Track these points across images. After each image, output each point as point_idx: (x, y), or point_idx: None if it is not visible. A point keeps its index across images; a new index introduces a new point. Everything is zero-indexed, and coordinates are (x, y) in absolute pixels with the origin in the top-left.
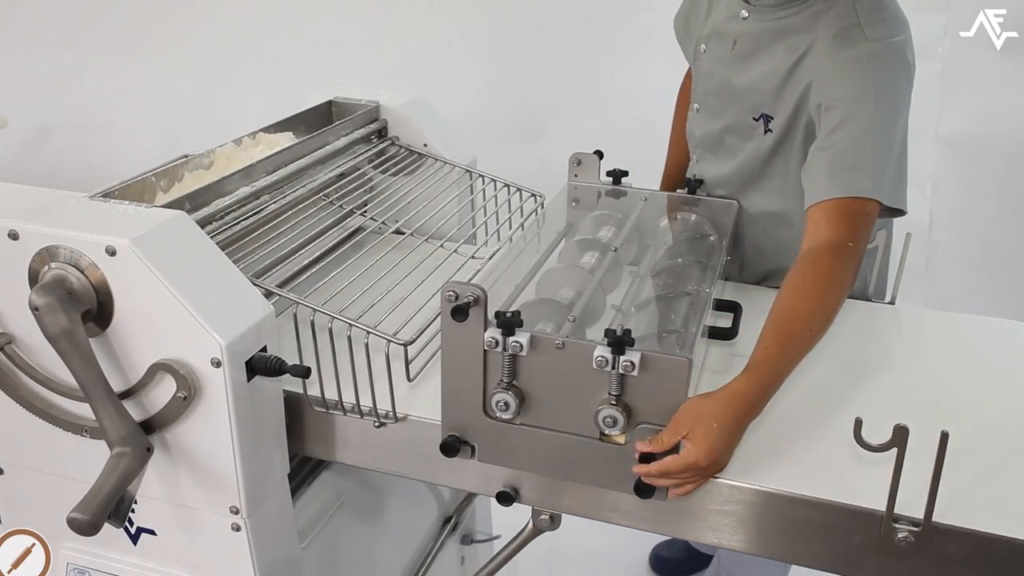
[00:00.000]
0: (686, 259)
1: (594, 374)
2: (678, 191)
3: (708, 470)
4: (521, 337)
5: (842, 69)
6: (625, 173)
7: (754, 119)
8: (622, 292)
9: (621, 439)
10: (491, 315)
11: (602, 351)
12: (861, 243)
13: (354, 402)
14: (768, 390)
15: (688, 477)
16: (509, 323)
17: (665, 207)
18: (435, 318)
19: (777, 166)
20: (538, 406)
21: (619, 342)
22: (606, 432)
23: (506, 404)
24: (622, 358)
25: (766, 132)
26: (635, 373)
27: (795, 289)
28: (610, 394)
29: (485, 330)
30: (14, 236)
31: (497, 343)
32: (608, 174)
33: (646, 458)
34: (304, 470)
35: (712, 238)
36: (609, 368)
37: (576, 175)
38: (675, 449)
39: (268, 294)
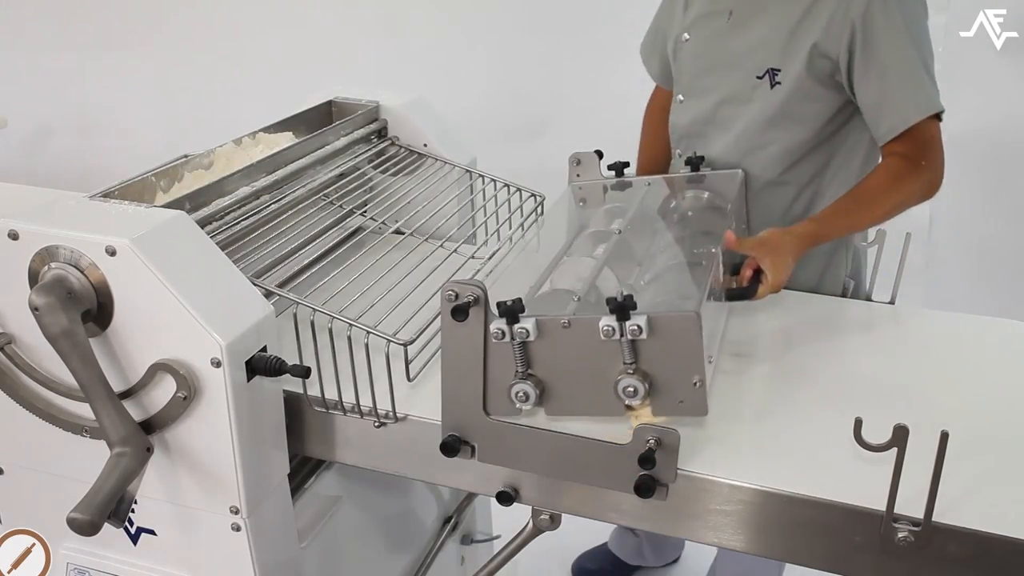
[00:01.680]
0: (695, 230)
1: (606, 347)
2: (681, 171)
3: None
4: (526, 323)
5: (869, 9)
6: (626, 164)
7: (758, 77)
8: (634, 273)
9: (646, 410)
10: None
11: (607, 321)
12: (934, 161)
13: (354, 402)
14: (821, 240)
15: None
16: (511, 311)
17: (671, 189)
18: (435, 318)
19: (781, 127)
20: (557, 392)
21: (621, 307)
22: (628, 403)
23: (526, 395)
24: (628, 324)
25: (773, 86)
26: (644, 336)
27: (869, 181)
28: (625, 364)
29: (486, 329)
30: (14, 236)
31: (504, 333)
32: (610, 167)
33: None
34: (304, 470)
35: (720, 207)
36: (618, 336)
37: (578, 175)
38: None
39: (268, 294)
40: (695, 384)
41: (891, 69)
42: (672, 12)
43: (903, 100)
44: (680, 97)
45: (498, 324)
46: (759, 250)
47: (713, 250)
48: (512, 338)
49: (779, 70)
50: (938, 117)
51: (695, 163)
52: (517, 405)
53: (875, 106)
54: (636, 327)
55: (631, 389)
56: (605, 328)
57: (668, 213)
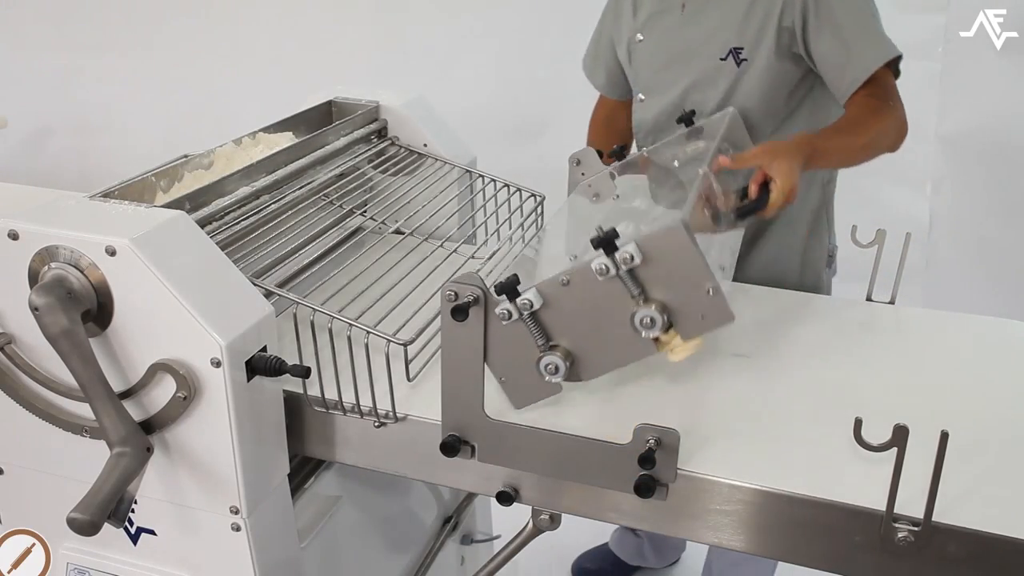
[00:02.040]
0: (692, 166)
1: (609, 289)
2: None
3: (788, 203)
4: (527, 294)
5: None
6: (624, 147)
7: (721, 59)
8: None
9: (675, 339)
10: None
11: (598, 261)
12: (899, 105)
13: (354, 402)
14: (817, 151)
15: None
16: (509, 285)
17: (674, 149)
18: (435, 318)
19: (752, 103)
20: (584, 353)
21: (604, 241)
22: (653, 337)
23: (555, 367)
24: (618, 255)
25: (740, 63)
26: (638, 262)
27: (847, 115)
28: (633, 298)
29: (487, 328)
30: (14, 236)
31: (510, 313)
32: (610, 155)
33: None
34: (304, 470)
35: (722, 149)
36: (614, 272)
37: (583, 173)
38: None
39: (268, 294)
40: (709, 293)
41: (845, 26)
42: (619, 18)
43: (861, 51)
44: (641, 96)
45: (502, 306)
46: (762, 157)
47: (701, 170)
48: (520, 313)
49: (742, 48)
50: (895, 70)
51: (687, 118)
52: (547, 379)
53: (835, 64)
54: (627, 255)
55: (648, 320)
56: (599, 268)
57: (672, 168)
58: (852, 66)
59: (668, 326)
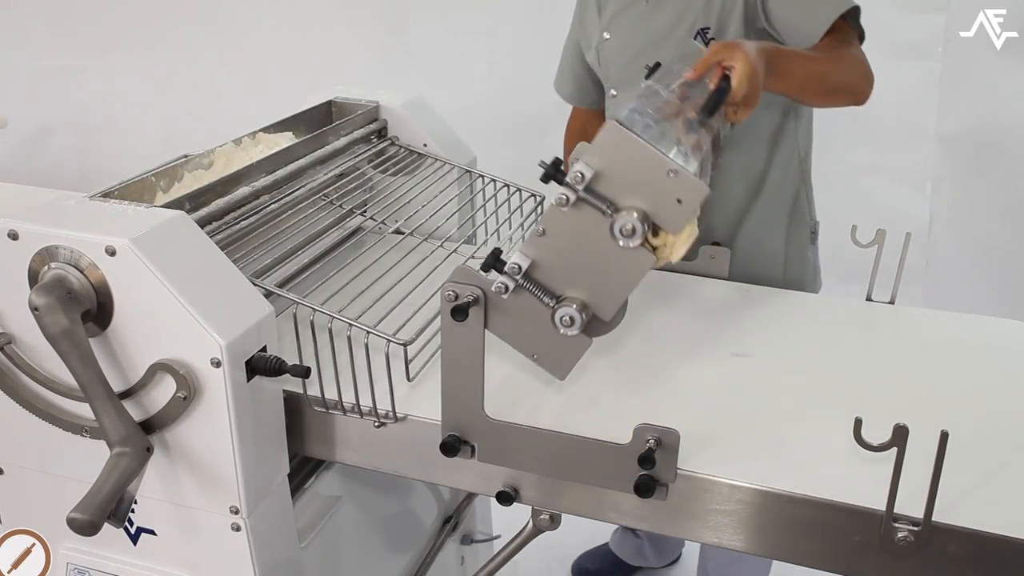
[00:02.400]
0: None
1: (583, 217)
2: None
3: (752, 95)
4: (512, 258)
5: None
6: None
7: (692, 39)
8: None
9: (666, 239)
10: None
11: (556, 194)
12: (860, 53)
13: (354, 402)
14: (779, 59)
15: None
16: (491, 258)
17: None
18: (435, 318)
19: None
20: (593, 295)
21: (552, 169)
22: (638, 243)
23: (571, 318)
24: (568, 177)
25: (708, 43)
26: (590, 176)
27: (813, 49)
28: (606, 214)
29: (486, 327)
30: (14, 236)
31: (505, 286)
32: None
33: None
34: (304, 470)
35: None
36: (575, 196)
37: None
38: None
39: (268, 294)
40: (672, 175)
41: None
42: (585, 22)
43: (817, 6)
44: (613, 92)
45: (496, 281)
46: (721, 51)
47: (663, 92)
48: (514, 280)
49: (708, 27)
50: (859, 30)
51: (653, 69)
52: (565, 332)
53: (794, 22)
54: (577, 174)
55: (629, 228)
56: (559, 199)
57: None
58: (810, 21)
59: (654, 230)
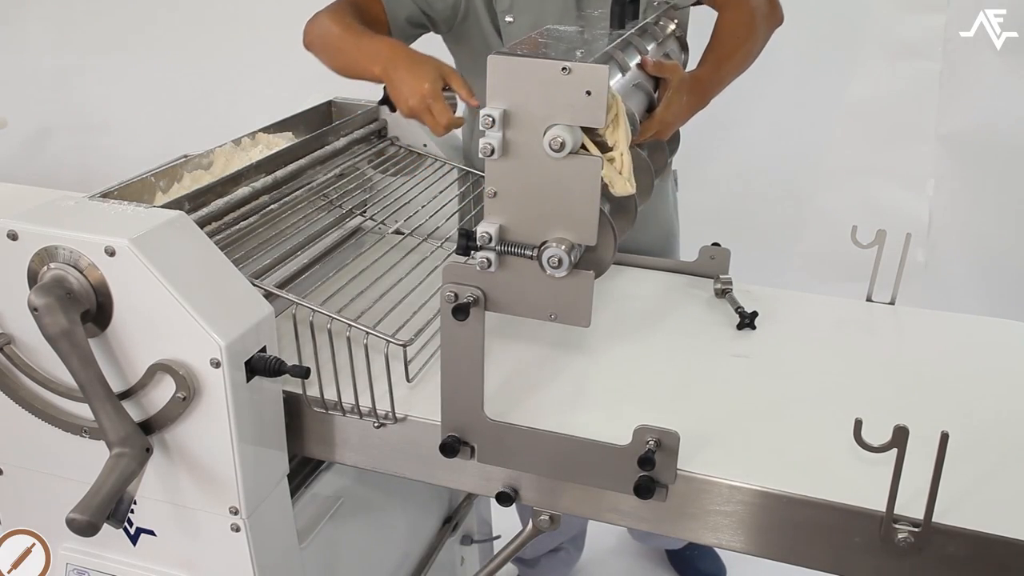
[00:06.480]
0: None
1: (518, 163)
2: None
3: (663, 132)
4: (479, 229)
5: None
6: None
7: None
8: None
9: (613, 136)
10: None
11: (480, 143)
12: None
13: (353, 402)
14: (711, 92)
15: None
16: (462, 238)
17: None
18: (434, 318)
19: None
20: (569, 227)
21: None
22: (573, 152)
23: (558, 259)
24: (480, 123)
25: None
26: (498, 115)
27: (728, 25)
28: (551, 148)
29: (493, 310)
30: (13, 236)
31: (489, 261)
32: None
33: None
34: (304, 470)
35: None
36: (496, 143)
37: None
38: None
39: (268, 294)
40: (566, 71)
41: None
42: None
43: None
44: (509, 19)
45: (477, 258)
46: (677, 85)
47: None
48: (493, 249)
49: None
50: None
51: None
52: (552, 273)
53: None
54: (487, 118)
55: (559, 142)
56: (484, 147)
57: None
58: None
59: (592, 137)
